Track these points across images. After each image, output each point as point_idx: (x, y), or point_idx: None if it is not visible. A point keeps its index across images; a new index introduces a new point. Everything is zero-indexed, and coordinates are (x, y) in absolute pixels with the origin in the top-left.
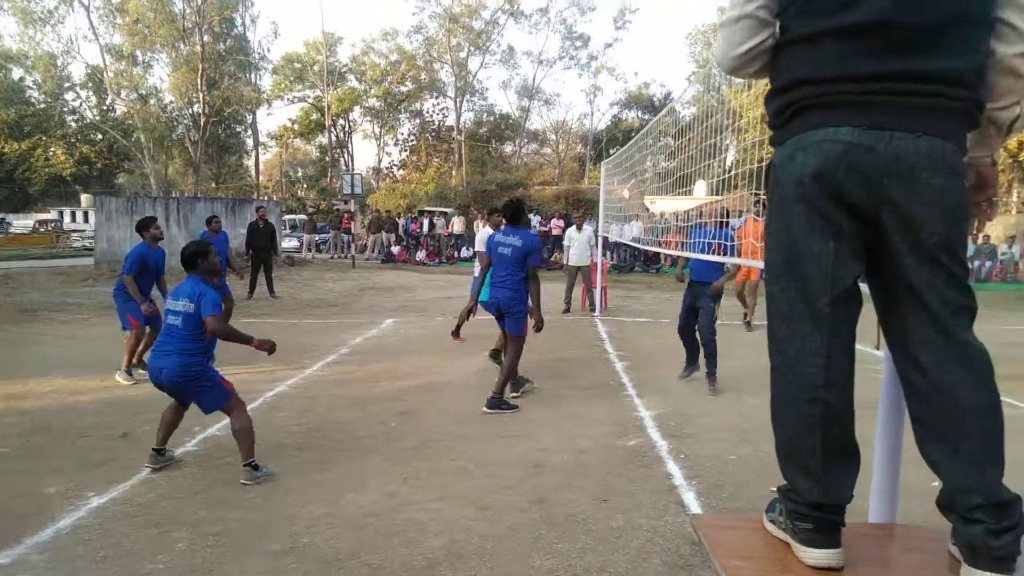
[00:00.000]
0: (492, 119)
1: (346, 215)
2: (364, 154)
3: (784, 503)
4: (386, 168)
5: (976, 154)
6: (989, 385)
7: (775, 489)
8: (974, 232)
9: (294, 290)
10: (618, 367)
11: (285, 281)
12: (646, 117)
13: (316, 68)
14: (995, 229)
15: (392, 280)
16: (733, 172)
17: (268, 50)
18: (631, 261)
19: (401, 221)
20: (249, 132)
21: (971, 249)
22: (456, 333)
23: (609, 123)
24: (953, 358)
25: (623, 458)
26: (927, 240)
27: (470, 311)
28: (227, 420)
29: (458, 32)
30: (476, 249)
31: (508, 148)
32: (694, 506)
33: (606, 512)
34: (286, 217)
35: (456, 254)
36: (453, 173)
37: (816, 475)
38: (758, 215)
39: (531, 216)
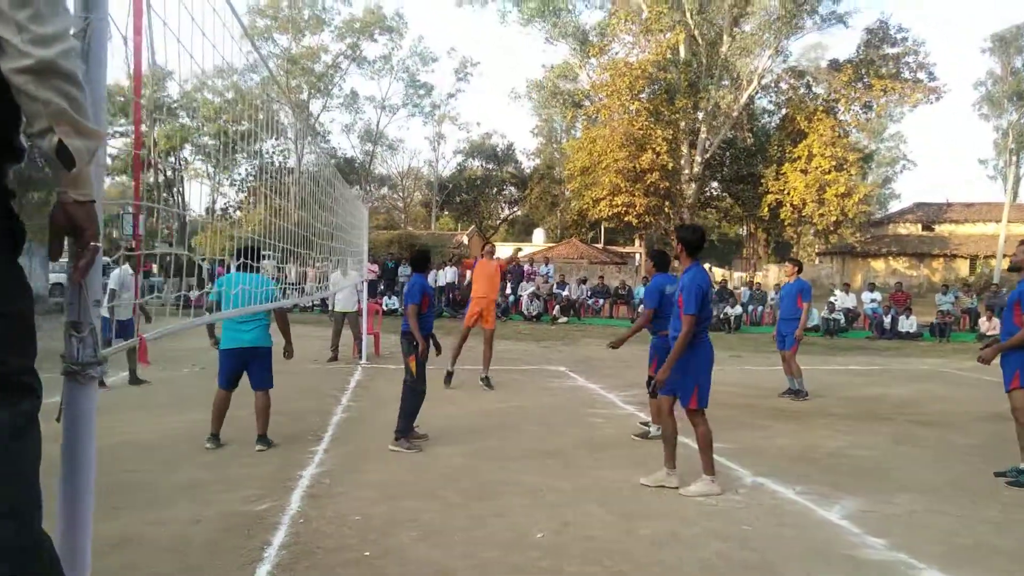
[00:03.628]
0: (335, 162)
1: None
2: (196, 195)
3: None
4: (221, 210)
5: (61, 190)
6: None
7: None
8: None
9: None
10: (334, 419)
11: None
12: (489, 166)
13: (143, 102)
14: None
15: None
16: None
17: None
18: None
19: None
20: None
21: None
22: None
23: (454, 170)
24: None
25: (232, 527)
26: None
27: None
28: None
29: (297, 74)
30: None
31: (355, 191)
32: None
33: None
34: None
35: None
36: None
37: None
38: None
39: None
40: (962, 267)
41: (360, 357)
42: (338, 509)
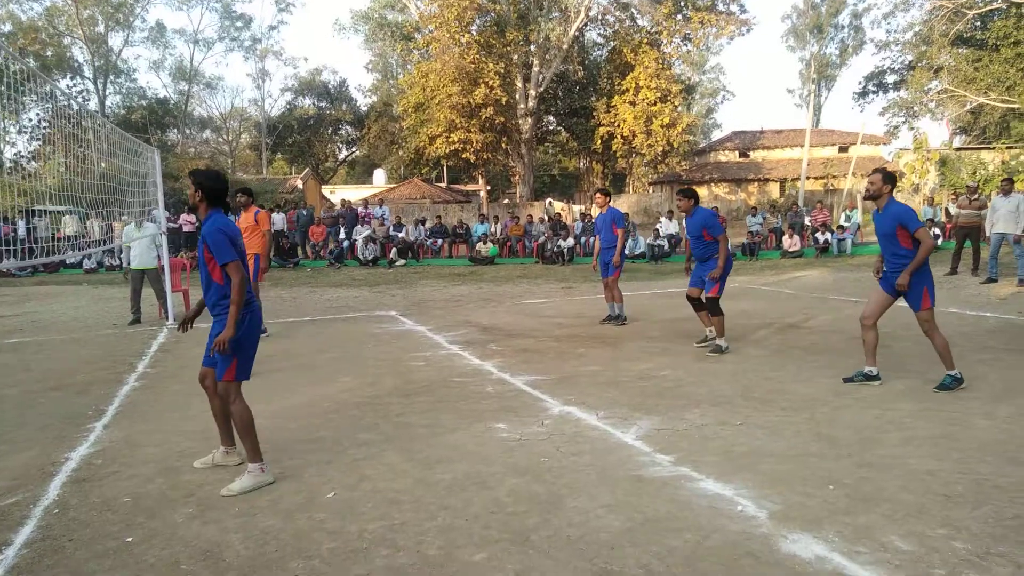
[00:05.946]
0: (145, 103)
1: None
2: None
3: None
4: (11, 161)
5: None
6: None
7: None
8: None
9: None
10: (123, 390)
11: None
12: (322, 104)
13: None
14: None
15: None
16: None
17: None
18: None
19: None
20: None
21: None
22: None
23: (284, 110)
24: None
25: None
26: None
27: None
28: None
29: (90, 3)
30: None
31: (173, 136)
32: None
33: None
34: None
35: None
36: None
37: None
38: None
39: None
40: (774, 190)
41: (167, 318)
42: (105, 493)
